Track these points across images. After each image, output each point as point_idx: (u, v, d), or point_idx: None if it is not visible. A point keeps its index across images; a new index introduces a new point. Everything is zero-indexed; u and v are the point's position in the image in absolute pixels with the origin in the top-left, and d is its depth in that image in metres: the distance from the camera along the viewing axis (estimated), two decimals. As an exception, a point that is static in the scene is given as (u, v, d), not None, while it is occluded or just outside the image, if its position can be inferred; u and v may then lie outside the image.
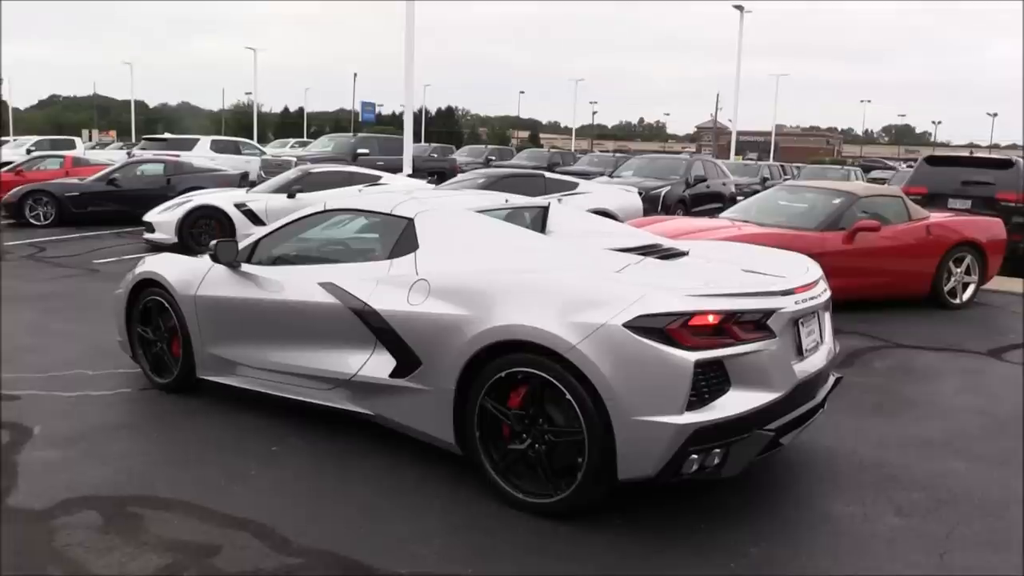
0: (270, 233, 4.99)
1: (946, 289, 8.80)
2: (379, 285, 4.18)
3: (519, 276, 3.73)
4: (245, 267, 4.90)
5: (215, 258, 4.85)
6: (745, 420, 3.36)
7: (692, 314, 3.30)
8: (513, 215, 5.12)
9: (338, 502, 3.82)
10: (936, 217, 9.17)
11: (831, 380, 4.27)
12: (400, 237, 4.34)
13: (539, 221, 5.17)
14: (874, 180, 29.86)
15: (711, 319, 3.35)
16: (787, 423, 3.63)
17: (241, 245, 5.03)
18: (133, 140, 30.65)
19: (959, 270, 8.89)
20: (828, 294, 4.16)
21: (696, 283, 3.52)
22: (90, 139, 54.00)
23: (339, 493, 3.92)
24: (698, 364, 3.25)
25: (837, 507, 3.82)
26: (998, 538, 3.55)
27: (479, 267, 3.90)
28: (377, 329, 4.12)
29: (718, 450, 3.35)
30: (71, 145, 29.06)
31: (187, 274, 5.16)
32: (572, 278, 3.61)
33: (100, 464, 4.23)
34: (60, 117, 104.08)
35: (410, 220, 4.35)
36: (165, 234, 12.20)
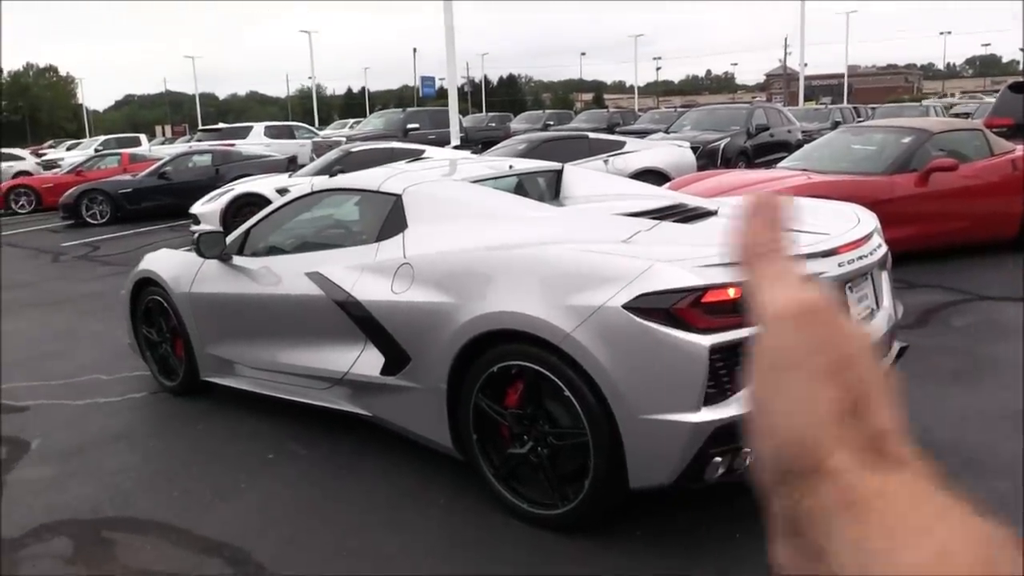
0: (259, 221, 4.59)
1: (1038, 230, 7.88)
2: (364, 273, 3.73)
3: (506, 254, 3.22)
4: (236, 259, 4.52)
5: (200, 252, 4.48)
6: (780, 411, 2.79)
7: (705, 289, 2.74)
8: (525, 181, 4.60)
9: (327, 519, 3.42)
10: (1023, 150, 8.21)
11: (894, 350, 3.63)
12: (388, 216, 3.87)
13: (553, 186, 4.64)
14: (956, 115, 27.96)
15: (731, 293, 2.78)
16: (836, 409, 3.03)
17: (232, 236, 4.67)
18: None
19: (1052, 207, 7.94)
20: (884, 250, 3.52)
21: (714, 249, 2.94)
22: (163, 135, 55.36)
23: (330, 507, 3.51)
24: (715, 349, 2.69)
25: (903, 504, 3.22)
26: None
27: (467, 246, 3.41)
28: (362, 322, 3.68)
29: (749, 450, 2.79)
30: (136, 143, 29.60)
31: (181, 270, 4.82)
32: (565, 252, 3.07)
33: (87, 481, 3.95)
34: (136, 116, 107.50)
35: (398, 196, 3.88)
36: (210, 224, 12.06)
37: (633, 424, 2.77)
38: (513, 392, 3.14)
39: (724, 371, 2.74)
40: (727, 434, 2.72)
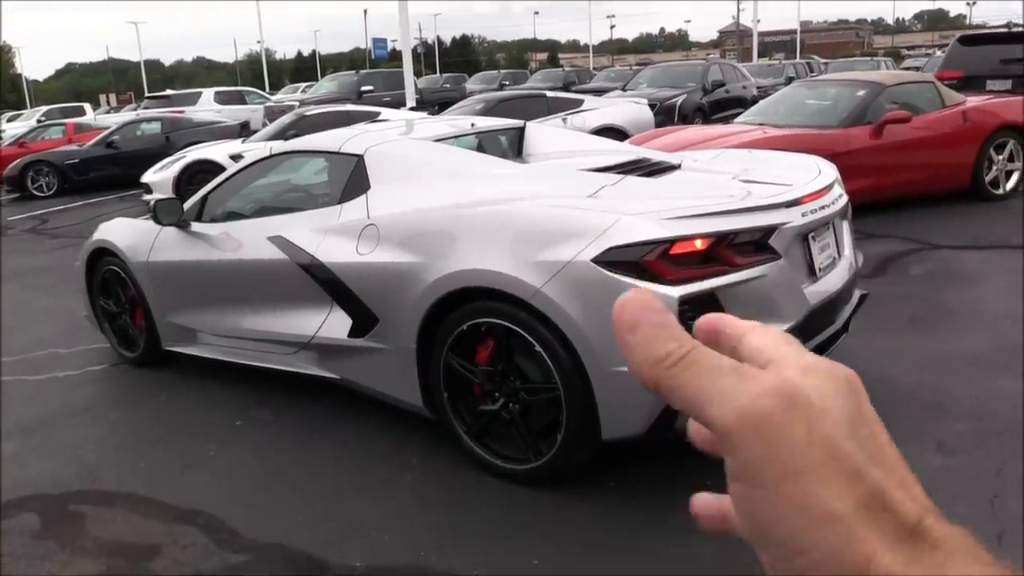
0: (217, 186, 4.49)
1: (988, 179, 8.03)
2: (328, 235, 3.68)
3: (472, 211, 3.20)
4: (195, 226, 4.43)
5: (156, 220, 4.38)
6: (748, 360, 2.83)
7: (673, 240, 2.75)
8: (486, 140, 4.56)
9: (299, 483, 3.40)
10: (973, 101, 8.35)
11: (855, 298, 3.70)
12: (350, 177, 3.81)
13: (515, 144, 4.60)
14: (907, 69, 28.32)
15: (698, 244, 2.80)
16: (801, 356, 3.09)
17: (189, 202, 4.56)
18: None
19: (1001, 157, 8.10)
20: (845, 199, 3.57)
21: (680, 202, 2.95)
22: (108, 103, 53.69)
23: (301, 471, 3.50)
24: (684, 300, 2.72)
25: (867, 446, 3.30)
26: (1059, 470, 3.02)
27: (432, 204, 3.38)
28: (328, 285, 3.64)
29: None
30: (81, 112, 28.69)
31: (138, 239, 4.71)
32: (532, 209, 3.06)
33: (51, 456, 3.88)
34: (79, 84, 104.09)
35: (360, 157, 3.82)
36: (163, 193, 11.78)
37: (605, 377, 2.79)
38: (484, 349, 3.14)
39: (693, 322, 2.75)
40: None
